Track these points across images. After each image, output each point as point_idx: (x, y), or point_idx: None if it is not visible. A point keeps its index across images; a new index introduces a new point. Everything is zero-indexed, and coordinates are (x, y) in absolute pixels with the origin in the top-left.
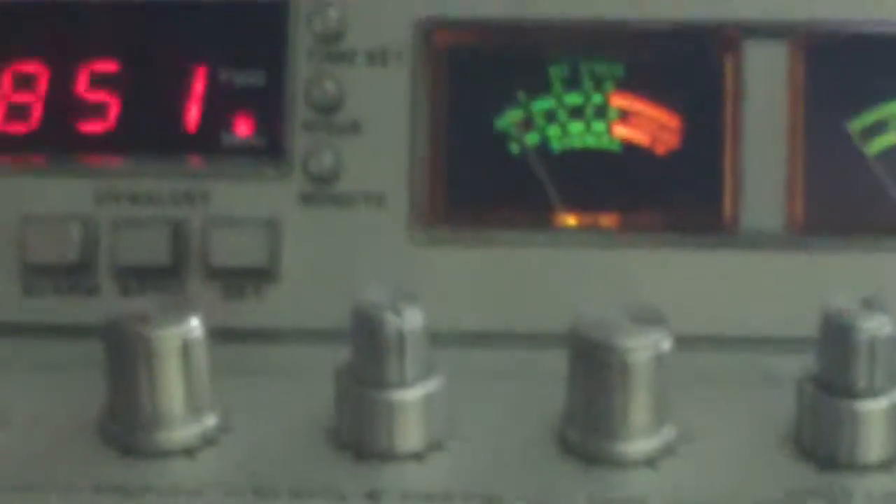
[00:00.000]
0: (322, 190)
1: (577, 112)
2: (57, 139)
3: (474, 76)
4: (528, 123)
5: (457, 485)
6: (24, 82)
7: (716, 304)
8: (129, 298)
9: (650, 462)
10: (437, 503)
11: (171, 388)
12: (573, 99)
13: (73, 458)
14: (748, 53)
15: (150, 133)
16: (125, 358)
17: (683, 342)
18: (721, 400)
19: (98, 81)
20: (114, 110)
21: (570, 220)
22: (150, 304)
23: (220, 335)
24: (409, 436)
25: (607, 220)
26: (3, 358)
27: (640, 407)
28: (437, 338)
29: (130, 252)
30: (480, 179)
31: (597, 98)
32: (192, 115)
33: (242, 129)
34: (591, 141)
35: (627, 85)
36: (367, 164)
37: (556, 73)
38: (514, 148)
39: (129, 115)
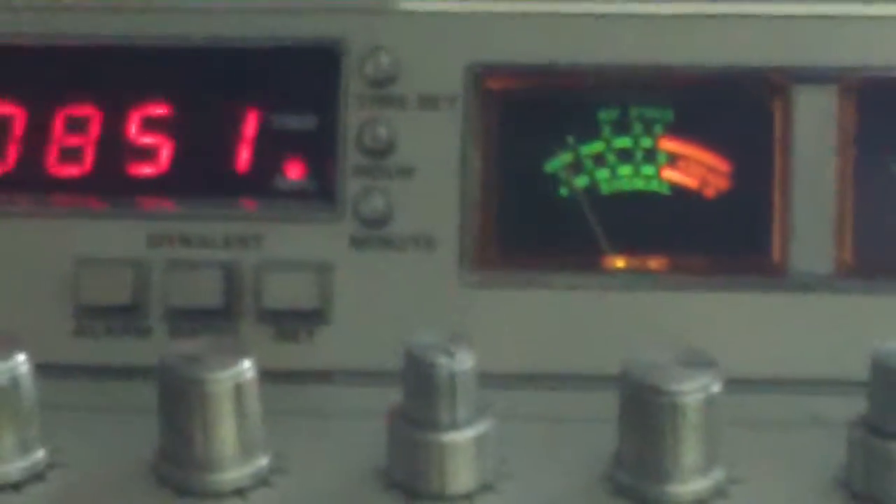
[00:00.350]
0: (373, 233)
1: (626, 155)
2: (110, 182)
3: (524, 120)
4: (577, 166)
5: None
6: (77, 125)
7: (765, 347)
8: (180, 340)
9: None
10: None
11: (224, 429)
12: (622, 142)
13: (127, 499)
14: (797, 98)
15: (202, 176)
16: (178, 400)
17: (733, 384)
18: (771, 442)
19: (150, 125)
20: (166, 153)
21: (619, 263)
22: (203, 345)
23: (272, 377)
24: (460, 477)
25: (656, 262)
26: (56, 398)
27: (690, 449)
28: (487, 379)
29: (183, 294)
30: (530, 222)
31: (646, 142)
32: (244, 158)
33: (294, 172)
34: (639, 184)
35: (677, 129)
36: (417, 208)
37: (606, 117)
38: (564, 191)
39: (181, 159)
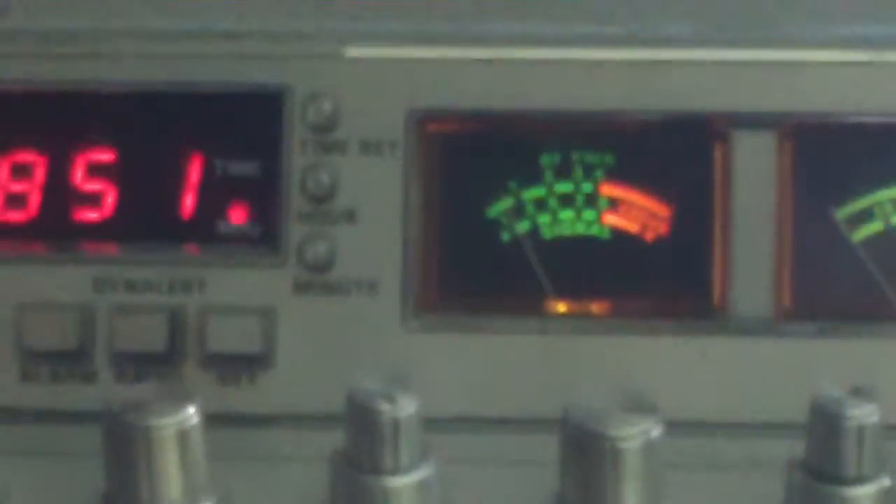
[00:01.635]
0: (316, 278)
1: (567, 200)
2: (54, 228)
3: (466, 165)
4: (519, 211)
5: None
6: (22, 171)
7: (705, 390)
8: (125, 384)
9: None
10: None
11: (169, 475)
12: (564, 187)
13: None
14: (737, 143)
15: (146, 221)
16: (123, 446)
17: (673, 427)
18: (711, 485)
19: (95, 170)
20: (110, 199)
21: (561, 307)
22: (148, 392)
23: (215, 420)
24: None
25: (597, 307)
26: (1, 443)
27: (631, 494)
28: (430, 423)
29: (127, 339)
30: (472, 267)
31: (587, 187)
32: (188, 203)
33: (238, 217)
34: (581, 228)
35: (617, 174)
36: (360, 253)
37: (548, 161)
38: (506, 235)
39: (125, 204)
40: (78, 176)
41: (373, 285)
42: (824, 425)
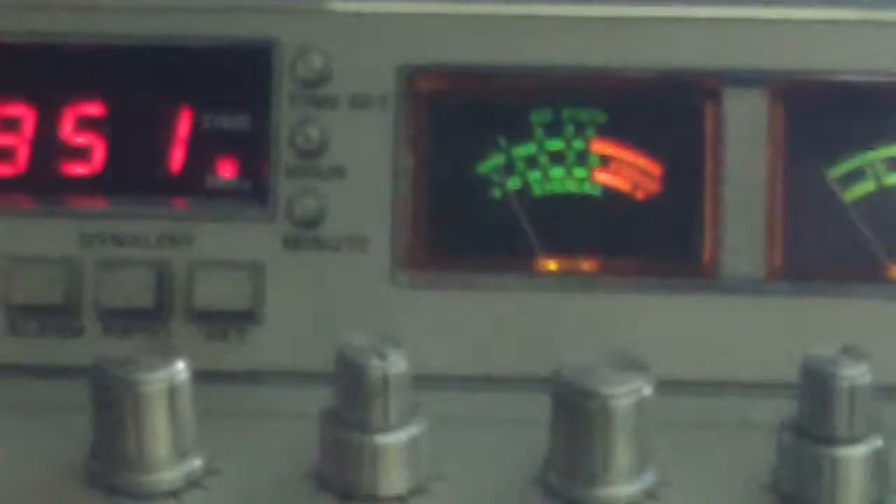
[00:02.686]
0: (305, 233)
1: (558, 158)
2: (42, 182)
3: (456, 122)
4: (509, 168)
5: None
6: (10, 125)
7: (695, 349)
8: (113, 339)
9: None
10: None
11: (157, 431)
12: (554, 145)
13: (57, 499)
14: (728, 102)
15: (134, 176)
16: (111, 402)
17: (663, 386)
18: (701, 445)
19: (83, 124)
20: (99, 153)
21: (551, 265)
22: (136, 347)
23: (203, 377)
24: (393, 479)
25: (588, 264)
26: None
27: (621, 452)
28: (419, 381)
29: (115, 294)
30: (462, 224)
31: (578, 144)
32: (177, 157)
33: (226, 172)
34: (571, 186)
35: (609, 132)
36: (350, 209)
37: (538, 119)
38: (496, 193)
39: (113, 158)
40: (66, 130)
41: (362, 241)
42: (816, 385)
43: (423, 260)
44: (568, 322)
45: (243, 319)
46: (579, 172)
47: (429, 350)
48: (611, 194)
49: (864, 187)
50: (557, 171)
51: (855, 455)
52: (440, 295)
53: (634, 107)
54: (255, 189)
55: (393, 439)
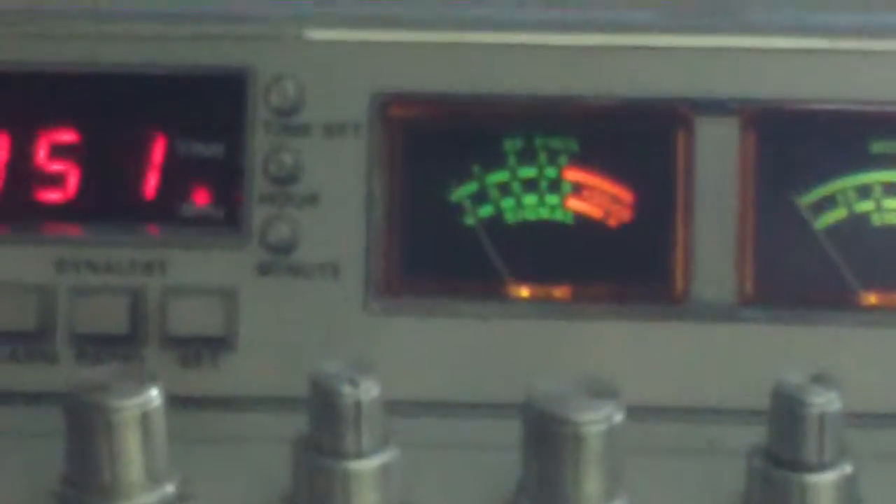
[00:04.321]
0: (279, 260)
1: (531, 185)
2: (16, 208)
3: (430, 149)
4: (482, 196)
5: None
6: None
7: (667, 375)
8: (86, 366)
9: None
10: None
11: (130, 457)
12: (527, 172)
13: None
14: (700, 130)
15: (108, 202)
16: (84, 427)
17: (635, 412)
18: (672, 470)
19: (58, 151)
20: (73, 180)
21: (524, 292)
22: (110, 373)
23: (177, 403)
24: None
25: (560, 291)
26: None
27: (592, 479)
28: (392, 407)
29: (88, 320)
30: (435, 251)
31: (551, 172)
32: (151, 184)
33: (200, 199)
34: (544, 213)
35: (581, 159)
36: (323, 235)
37: (511, 147)
38: (469, 220)
39: (88, 185)
40: (41, 156)
41: (335, 268)
42: (786, 412)
43: (396, 287)
44: (540, 348)
45: (217, 346)
46: (552, 200)
47: (401, 376)
48: (583, 221)
49: (836, 215)
50: (530, 199)
51: (824, 482)
52: (413, 322)
53: (607, 135)
54: (229, 216)
55: (366, 466)
